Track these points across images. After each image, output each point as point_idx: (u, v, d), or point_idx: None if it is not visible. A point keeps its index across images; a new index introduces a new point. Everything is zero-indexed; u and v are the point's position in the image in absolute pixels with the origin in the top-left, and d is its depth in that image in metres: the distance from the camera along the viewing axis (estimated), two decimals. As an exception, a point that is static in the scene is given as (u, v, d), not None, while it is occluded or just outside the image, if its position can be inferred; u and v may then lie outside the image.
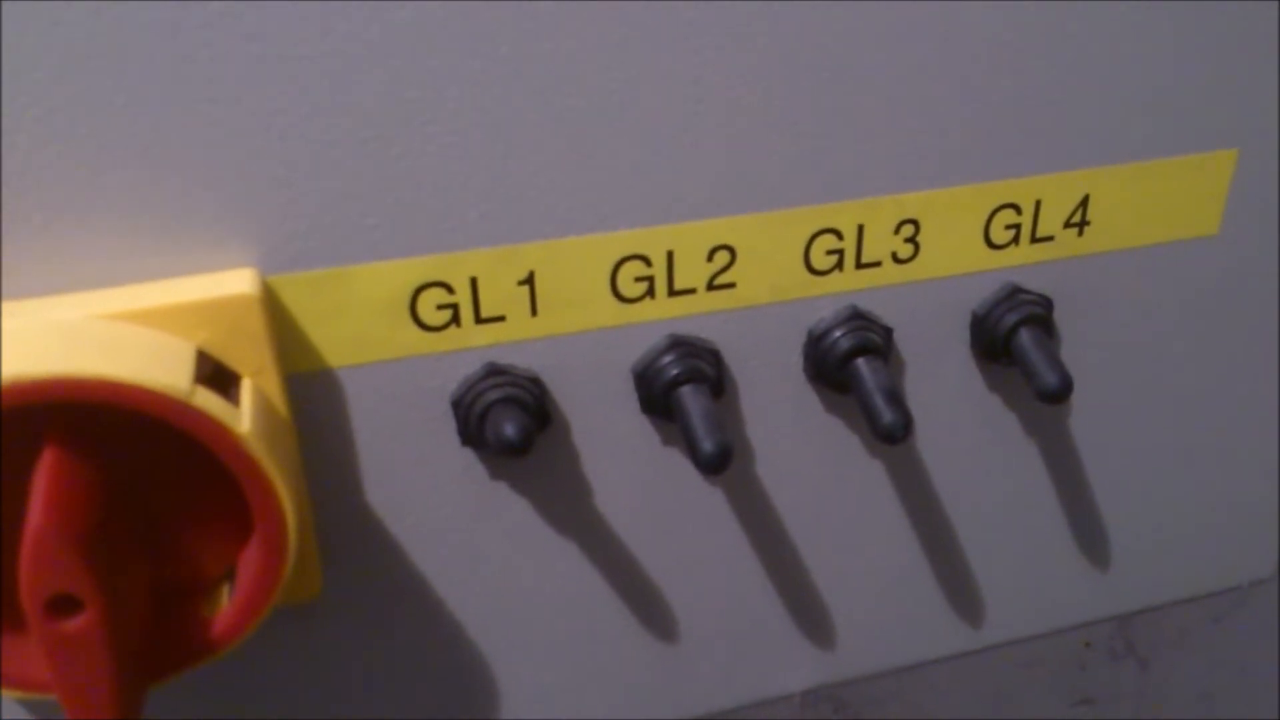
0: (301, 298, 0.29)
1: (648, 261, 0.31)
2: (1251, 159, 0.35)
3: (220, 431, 0.26)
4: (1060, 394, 0.33)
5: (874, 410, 0.32)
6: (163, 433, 0.27)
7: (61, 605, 0.25)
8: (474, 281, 0.30)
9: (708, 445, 0.31)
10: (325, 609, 0.33)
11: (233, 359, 0.28)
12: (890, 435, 0.32)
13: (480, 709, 0.36)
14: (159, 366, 0.26)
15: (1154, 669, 1.00)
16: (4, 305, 0.27)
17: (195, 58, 0.26)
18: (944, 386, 0.36)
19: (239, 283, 0.28)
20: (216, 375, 0.28)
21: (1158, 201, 0.35)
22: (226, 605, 0.29)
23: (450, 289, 0.30)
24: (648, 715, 0.38)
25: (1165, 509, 0.41)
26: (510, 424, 0.29)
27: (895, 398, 0.32)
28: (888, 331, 0.34)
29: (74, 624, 0.25)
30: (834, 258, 0.33)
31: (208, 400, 0.26)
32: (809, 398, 0.35)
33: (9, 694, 0.28)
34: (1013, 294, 0.34)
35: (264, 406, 0.28)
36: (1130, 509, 0.41)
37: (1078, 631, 0.95)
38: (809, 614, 0.39)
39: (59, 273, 0.27)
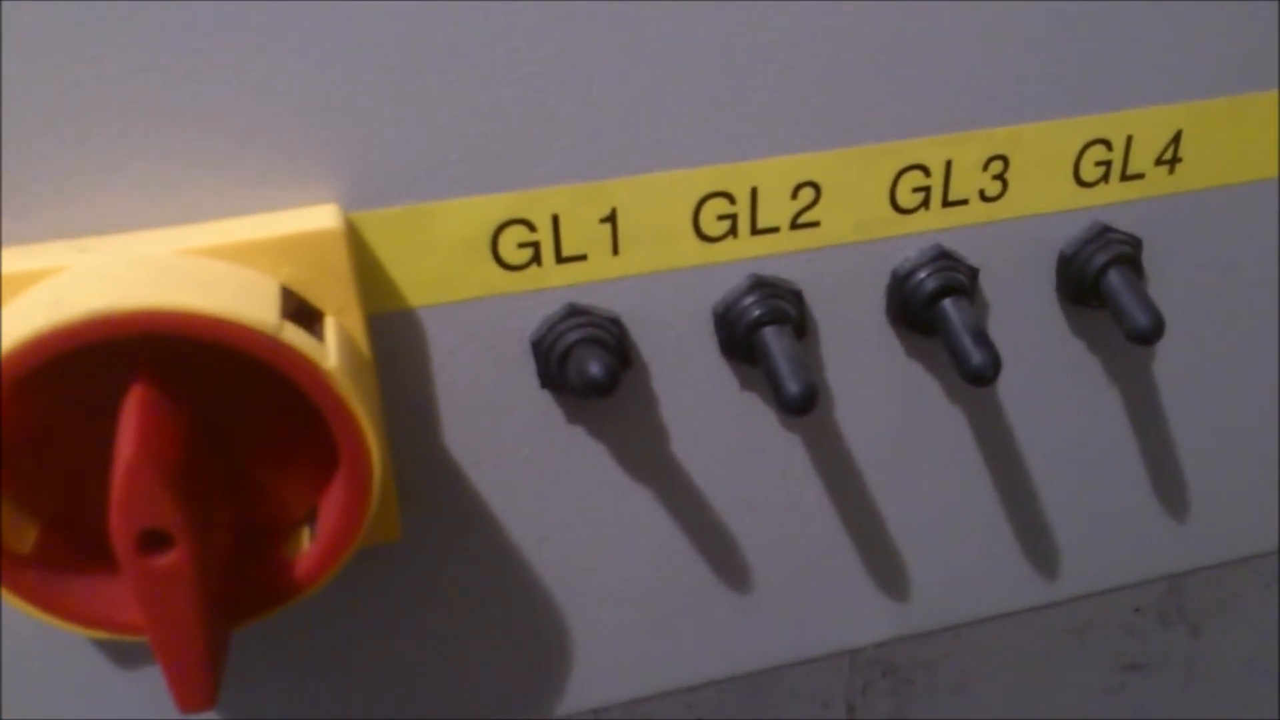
0: (383, 235, 0.28)
1: (731, 199, 0.31)
2: (1350, 93, 0.34)
3: (308, 367, 0.26)
4: (1152, 334, 0.32)
5: (962, 351, 0.31)
6: (247, 371, 0.27)
7: (152, 541, 0.25)
8: (555, 219, 0.30)
9: (793, 386, 0.30)
10: (404, 553, 0.33)
11: (316, 296, 0.27)
12: (980, 376, 0.31)
13: (554, 654, 0.36)
14: (246, 301, 0.25)
15: (1205, 635, 0.99)
16: (87, 241, 0.27)
17: (280, -16, 0.25)
18: (1028, 330, 0.35)
19: (323, 218, 0.27)
20: (300, 313, 0.27)
21: (1252, 138, 0.34)
22: (309, 546, 0.29)
23: (532, 227, 0.29)
24: (719, 663, 0.38)
25: (1245, 463, 0.40)
26: (596, 363, 0.29)
27: (984, 338, 0.31)
28: (974, 271, 0.33)
29: (164, 560, 0.25)
30: (920, 195, 0.32)
31: (295, 336, 0.26)
32: (891, 341, 0.34)
33: (97, 635, 0.28)
34: (1102, 233, 0.34)
35: (348, 344, 0.27)
36: (1209, 462, 0.40)
37: (1132, 592, 0.94)
38: (880, 565, 0.38)
39: (141, 208, 0.27)
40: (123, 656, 0.32)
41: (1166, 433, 0.38)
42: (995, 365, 0.31)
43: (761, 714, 0.92)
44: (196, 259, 0.26)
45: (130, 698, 0.33)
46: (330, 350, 0.26)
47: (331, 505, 0.28)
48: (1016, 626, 0.93)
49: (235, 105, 0.26)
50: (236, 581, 0.28)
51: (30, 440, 0.27)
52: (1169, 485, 0.40)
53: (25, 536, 0.28)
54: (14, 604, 0.27)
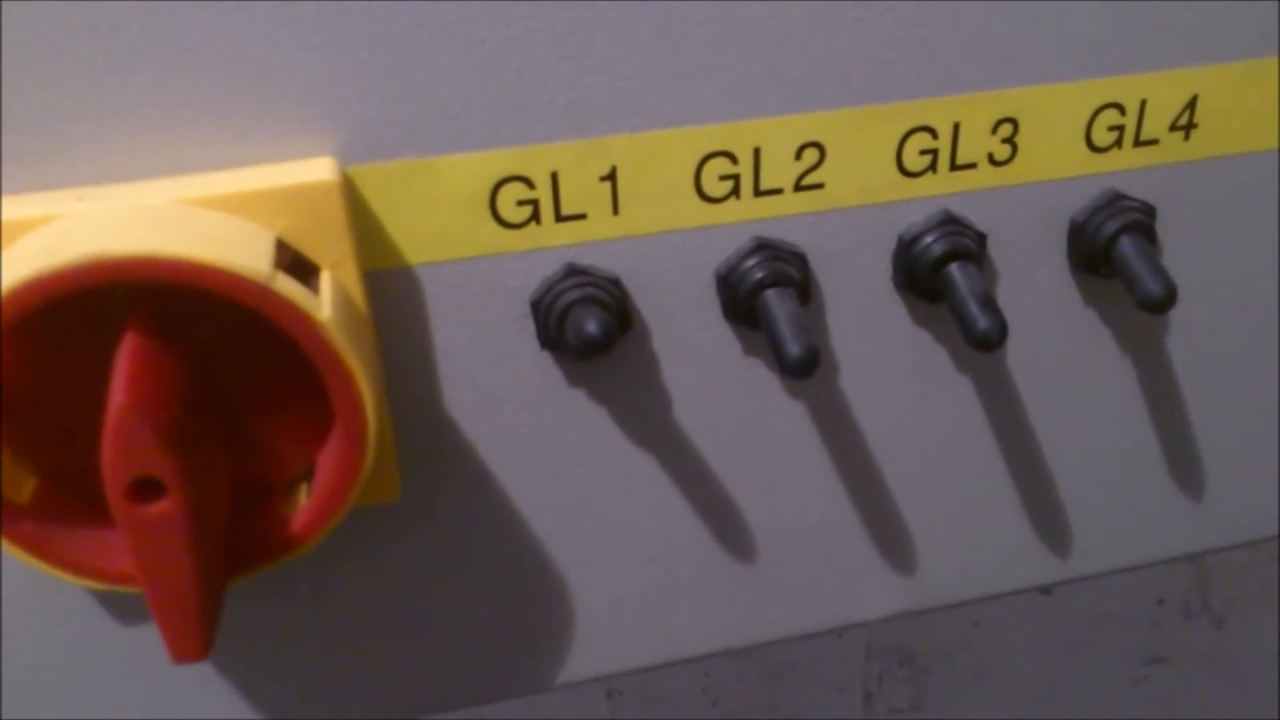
0: (380, 189, 0.28)
1: (733, 159, 0.30)
2: (1373, 59, 0.33)
3: (300, 317, 0.26)
4: (1164, 302, 0.31)
5: (968, 316, 0.31)
6: (243, 327, 0.27)
7: (144, 489, 0.25)
8: (555, 176, 0.29)
9: (795, 348, 0.30)
10: (403, 513, 0.33)
11: (312, 249, 0.27)
12: (985, 341, 0.31)
13: (555, 620, 0.36)
14: (239, 251, 0.25)
15: (1229, 627, 0.97)
16: (85, 190, 0.27)
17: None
18: (1038, 298, 0.34)
19: (318, 170, 0.27)
20: (296, 266, 0.27)
21: (1267, 104, 0.33)
22: (306, 502, 0.29)
23: (531, 184, 0.29)
24: (724, 634, 0.38)
25: (1261, 439, 0.40)
26: (592, 320, 0.28)
27: (990, 303, 0.31)
28: (982, 238, 0.33)
29: (156, 508, 0.25)
30: (927, 158, 0.31)
31: (288, 286, 0.25)
32: (897, 307, 0.33)
33: (94, 586, 0.28)
34: (1114, 200, 0.33)
35: (343, 297, 0.27)
36: (1224, 437, 0.39)
37: (1155, 584, 0.93)
38: (886, 537, 0.38)
39: (138, 159, 0.27)
40: (122, 612, 0.32)
41: (1182, 405, 0.38)
42: (1002, 330, 0.31)
43: (779, 701, 0.92)
44: (192, 209, 0.26)
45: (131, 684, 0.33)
46: (324, 302, 0.26)
47: (328, 460, 0.28)
48: (1036, 616, 0.93)
49: (234, 57, 0.26)
50: (233, 536, 0.29)
51: (29, 392, 0.28)
52: (1185, 461, 0.39)
53: (24, 487, 0.28)
54: (12, 553, 0.27)
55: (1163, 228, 0.34)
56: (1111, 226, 0.33)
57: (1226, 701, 0.99)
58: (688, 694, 0.87)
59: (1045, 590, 0.91)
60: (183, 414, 0.26)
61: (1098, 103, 0.32)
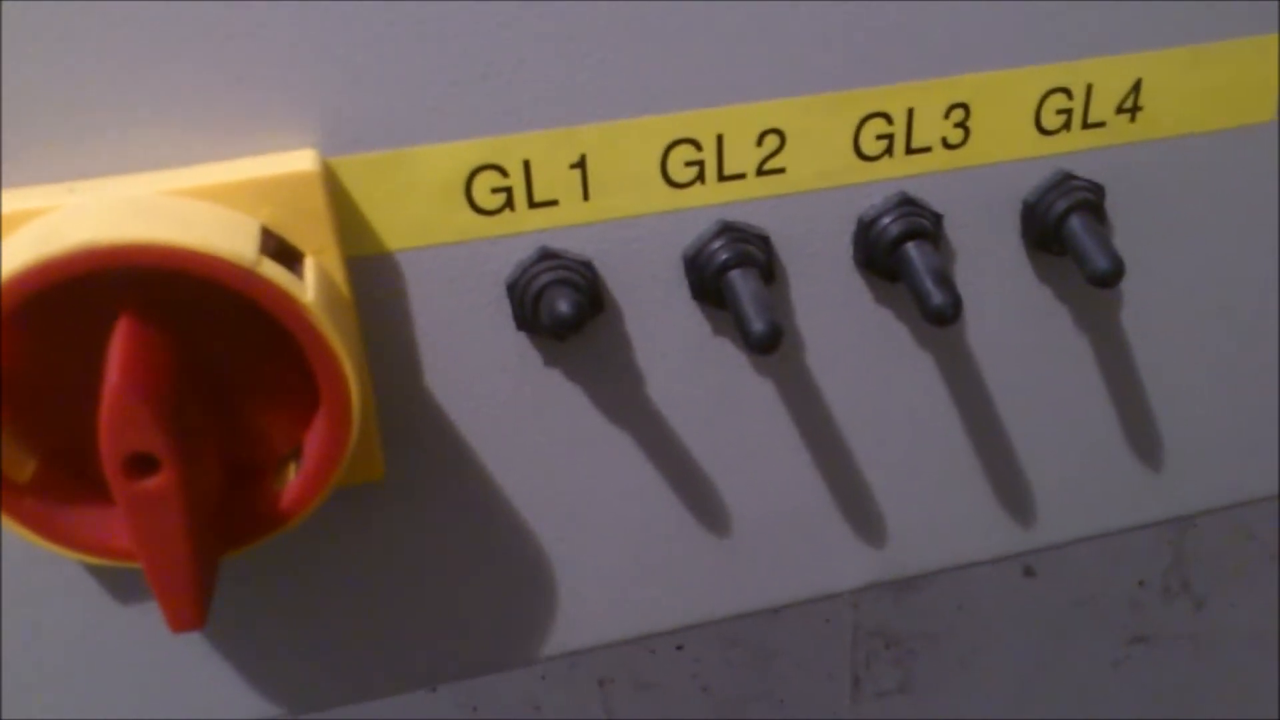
0: (360, 179, 0.30)
1: (698, 145, 0.32)
2: (1309, 42, 0.35)
3: (285, 301, 0.27)
4: (1111, 277, 0.33)
5: (923, 292, 0.32)
6: (233, 313, 0.28)
7: (139, 464, 0.26)
8: (527, 165, 0.31)
9: (758, 325, 0.31)
10: (388, 493, 0.34)
11: (295, 236, 0.29)
12: (940, 316, 0.32)
13: (536, 594, 0.37)
14: (226, 237, 0.27)
15: (1209, 607, 0.99)
16: (78, 183, 0.28)
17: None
18: (995, 277, 0.36)
19: (300, 161, 0.29)
20: (281, 253, 0.28)
21: (1211, 87, 0.35)
22: (293, 479, 0.30)
23: (504, 172, 0.31)
24: (702, 606, 0.39)
25: (1217, 407, 0.41)
26: (563, 300, 0.30)
27: (945, 279, 0.32)
28: (938, 218, 0.34)
29: (152, 483, 0.26)
30: (884, 143, 0.33)
31: (273, 270, 0.27)
32: (859, 287, 0.35)
33: (92, 561, 0.29)
34: (1064, 181, 0.34)
35: (327, 282, 0.29)
36: (1181, 407, 0.40)
37: (1135, 565, 0.95)
38: (859, 509, 0.39)
39: (129, 153, 0.28)
40: (116, 590, 0.33)
41: (1135, 378, 0.39)
42: (956, 305, 0.32)
43: (768, 687, 0.94)
44: (180, 199, 0.28)
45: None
46: (308, 285, 0.28)
47: (314, 439, 0.30)
48: (1019, 598, 0.94)
49: (220, 57, 0.28)
50: (225, 512, 0.30)
51: (29, 377, 0.29)
52: (1143, 431, 0.40)
53: (24, 468, 0.29)
54: (13, 530, 0.28)
55: (1112, 206, 0.36)
56: (1062, 205, 0.34)
57: (1207, 680, 1.01)
58: (678, 681, 0.88)
59: (1028, 572, 0.93)
60: (175, 394, 0.27)
61: (1046, 87, 0.33)
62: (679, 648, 0.85)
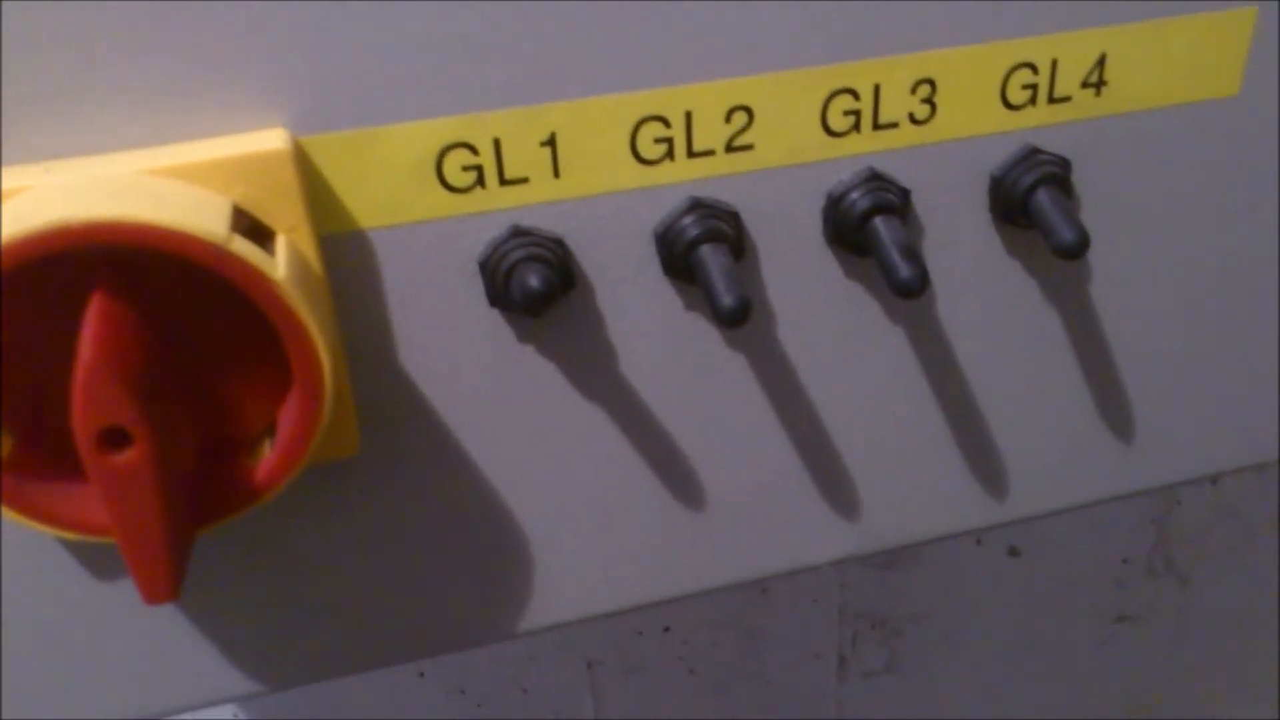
0: (332, 158, 0.30)
1: (667, 123, 0.32)
2: (1271, 17, 0.35)
3: (257, 277, 0.27)
4: (1077, 249, 0.33)
5: (891, 265, 0.33)
6: (206, 291, 0.29)
7: (112, 438, 0.26)
8: (497, 143, 0.31)
9: (727, 299, 0.31)
10: (363, 468, 0.34)
11: (267, 215, 0.29)
12: (907, 289, 0.32)
13: (513, 567, 0.37)
14: (198, 215, 0.27)
15: (1194, 585, 1.00)
16: (52, 164, 0.28)
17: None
18: (963, 251, 0.36)
19: (271, 140, 0.29)
20: (253, 231, 0.29)
21: (1176, 61, 0.35)
22: (268, 454, 0.30)
23: (475, 150, 0.31)
24: (679, 580, 0.40)
25: (1188, 378, 0.42)
26: (534, 275, 0.30)
27: (912, 253, 0.33)
28: (905, 193, 0.34)
29: (125, 457, 0.27)
30: (851, 119, 0.33)
31: (244, 248, 0.27)
32: (828, 262, 0.35)
33: (66, 536, 0.30)
34: (1030, 155, 0.35)
35: (299, 259, 0.29)
36: (1153, 378, 0.41)
37: (1119, 543, 0.95)
38: (836, 482, 0.40)
39: (102, 134, 0.29)
40: (94, 566, 0.34)
41: (1105, 348, 0.40)
42: (922, 278, 0.32)
43: (755, 668, 0.94)
44: (153, 179, 0.28)
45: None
46: (279, 262, 0.28)
47: (288, 415, 0.30)
48: (1003, 577, 0.95)
49: (190, 38, 0.28)
50: (201, 487, 0.30)
51: (3, 355, 0.29)
52: (1114, 402, 0.41)
53: (1, 446, 0.30)
54: (-10, 506, 0.29)
55: (1079, 180, 0.36)
56: (1028, 179, 0.35)
57: (1192, 657, 1.02)
58: (665, 662, 0.89)
59: (1013, 552, 0.93)
60: (149, 370, 0.27)
61: (1011, 62, 0.34)
62: (666, 629, 0.86)
